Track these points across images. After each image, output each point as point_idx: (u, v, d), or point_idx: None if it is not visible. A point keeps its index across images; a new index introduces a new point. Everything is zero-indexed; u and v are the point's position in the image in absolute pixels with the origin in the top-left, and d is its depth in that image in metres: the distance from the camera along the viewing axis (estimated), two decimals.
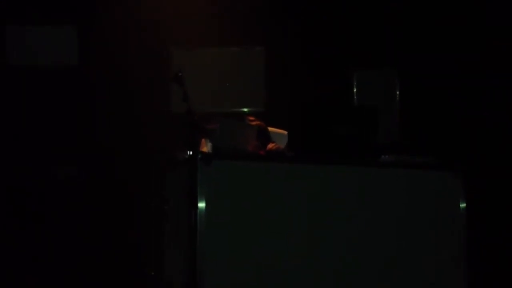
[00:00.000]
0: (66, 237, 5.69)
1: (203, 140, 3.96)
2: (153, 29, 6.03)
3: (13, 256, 5.60)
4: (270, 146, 4.20)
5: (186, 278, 3.22)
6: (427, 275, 3.56)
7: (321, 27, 6.13)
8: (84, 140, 5.98)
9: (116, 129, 5.92)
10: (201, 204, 3.16)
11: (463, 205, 3.64)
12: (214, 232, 3.18)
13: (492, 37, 5.99)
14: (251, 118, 4.48)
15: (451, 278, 3.59)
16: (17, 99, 6.01)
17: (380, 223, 3.49)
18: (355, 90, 6.22)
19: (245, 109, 6.04)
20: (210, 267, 3.16)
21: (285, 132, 4.57)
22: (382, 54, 6.16)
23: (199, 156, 3.23)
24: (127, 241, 5.63)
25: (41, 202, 5.79)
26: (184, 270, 3.27)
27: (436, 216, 3.62)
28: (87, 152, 5.96)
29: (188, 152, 3.41)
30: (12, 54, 6.08)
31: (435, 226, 3.61)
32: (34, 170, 5.87)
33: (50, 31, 6.11)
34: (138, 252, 5.38)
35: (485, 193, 5.36)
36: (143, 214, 5.42)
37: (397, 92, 6.26)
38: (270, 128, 4.47)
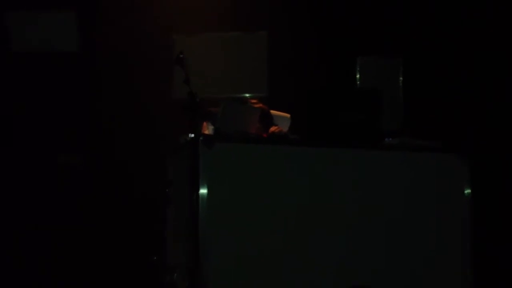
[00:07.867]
0: (68, 223, 5.69)
1: (204, 123, 3.94)
2: (155, 14, 5.99)
3: (14, 242, 5.61)
4: (273, 128, 4.18)
5: (189, 262, 3.20)
6: (429, 259, 3.54)
7: (324, 12, 6.09)
8: (85, 126, 5.96)
9: (118, 114, 5.90)
10: (203, 187, 3.15)
11: (468, 190, 3.61)
12: (216, 215, 3.17)
13: (495, 23, 5.95)
14: (254, 101, 4.45)
15: (454, 264, 3.57)
16: (18, 85, 5.98)
17: (383, 206, 3.48)
18: (358, 75, 6.18)
19: (248, 94, 6.01)
20: (213, 251, 3.14)
21: (288, 115, 4.55)
22: (386, 39, 6.11)
23: (201, 138, 3.20)
24: (129, 226, 5.62)
25: (43, 188, 5.78)
26: (187, 254, 3.26)
27: (440, 199, 3.60)
28: (88, 138, 5.94)
29: (190, 135, 3.39)
30: (12, 40, 6.03)
31: (439, 209, 3.59)
32: (36, 157, 5.86)
33: (49, 17, 6.05)
34: (141, 237, 5.37)
35: (490, 176, 5.34)
36: (145, 199, 5.42)
37: (401, 78, 6.22)
38: (272, 111, 4.44)
